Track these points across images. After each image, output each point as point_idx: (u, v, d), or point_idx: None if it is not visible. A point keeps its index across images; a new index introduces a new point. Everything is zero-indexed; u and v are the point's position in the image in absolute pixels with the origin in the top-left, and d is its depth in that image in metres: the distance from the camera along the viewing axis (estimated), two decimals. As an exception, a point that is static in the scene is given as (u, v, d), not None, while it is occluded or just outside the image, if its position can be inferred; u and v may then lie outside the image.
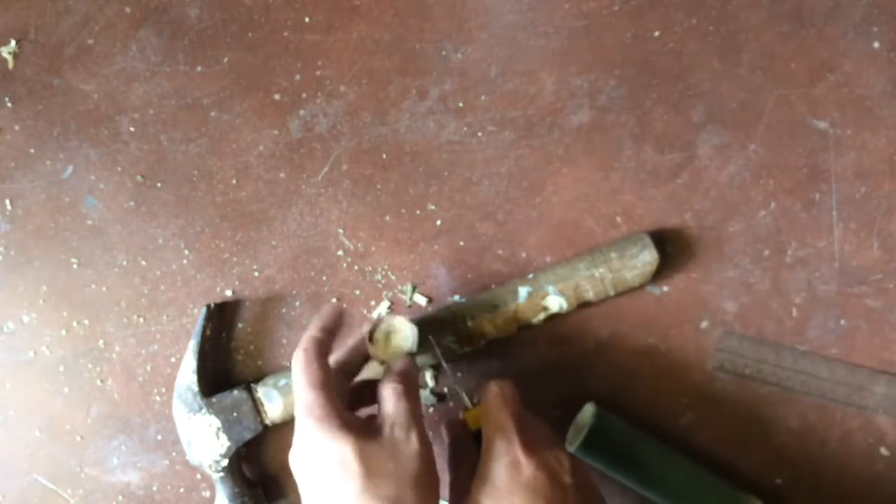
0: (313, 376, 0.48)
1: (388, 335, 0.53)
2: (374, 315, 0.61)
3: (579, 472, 0.48)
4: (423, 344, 0.54)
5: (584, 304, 0.58)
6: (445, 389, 0.61)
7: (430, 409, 0.61)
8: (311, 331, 0.51)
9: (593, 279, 0.57)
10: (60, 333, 0.63)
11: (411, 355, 0.53)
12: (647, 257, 0.57)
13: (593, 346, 0.60)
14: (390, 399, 0.48)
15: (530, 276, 0.58)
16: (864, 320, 0.59)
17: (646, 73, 0.60)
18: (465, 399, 0.53)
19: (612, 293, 0.58)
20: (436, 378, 0.61)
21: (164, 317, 0.62)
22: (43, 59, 0.63)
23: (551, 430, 0.51)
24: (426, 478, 0.46)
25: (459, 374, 0.60)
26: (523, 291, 0.57)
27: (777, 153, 0.60)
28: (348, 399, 0.53)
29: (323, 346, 0.50)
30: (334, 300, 0.61)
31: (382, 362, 0.52)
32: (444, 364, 0.54)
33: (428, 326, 0.58)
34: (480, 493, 0.47)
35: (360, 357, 0.54)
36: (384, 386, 0.49)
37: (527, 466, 0.46)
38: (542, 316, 0.58)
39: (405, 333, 0.53)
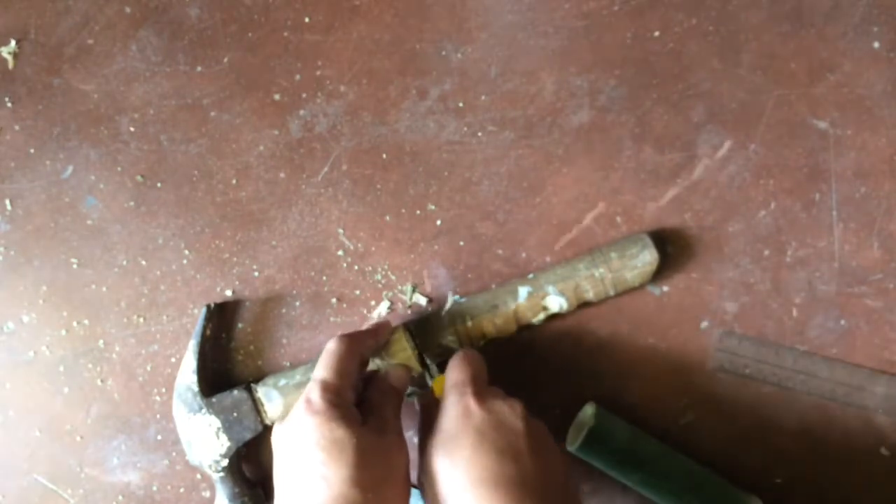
0: (343, 363, 0.50)
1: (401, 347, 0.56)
2: (375, 315, 0.61)
3: (533, 424, 0.49)
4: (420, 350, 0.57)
5: (585, 304, 0.58)
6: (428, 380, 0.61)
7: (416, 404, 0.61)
8: (359, 330, 0.54)
9: (593, 279, 0.57)
10: (60, 333, 0.63)
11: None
12: (648, 257, 0.57)
13: (593, 346, 0.60)
14: (387, 406, 0.51)
15: (530, 276, 0.58)
16: (864, 320, 0.59)
17: (646, 73, 0.60)
18: (434, 368, 0.55)
19: (612, 293, 0.58)
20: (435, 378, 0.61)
21: (164, 317, 0.62)
22: (43, 59, 0.63)
23: (506, 394, 0.53)
24: (407, 484, 0.49)
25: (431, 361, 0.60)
26: (523, 291, 0.57)
27: (777, 153, 0.60)
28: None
29: (363, 347, 0.53)
30: (334, 300, 0.61)
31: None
32: (422, 353, 0.57)
33: (428, 326, 0.58)
34: (432, 442, 0.49)
35: (376, 349, 0.56)
36: (384, 393, 0.52)
37: (477, 412, 0.48)
38: (542, 316, 0.58)
39: (412, 357, 0.56)
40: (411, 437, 0.61)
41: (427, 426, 0.52)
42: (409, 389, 0.60)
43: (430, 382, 0.56)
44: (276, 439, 0.50)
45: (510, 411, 0.49)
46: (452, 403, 0.49)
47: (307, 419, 0.47)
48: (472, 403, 0.49)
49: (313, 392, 0.48)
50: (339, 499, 0.45)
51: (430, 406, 0.53)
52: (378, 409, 0.51)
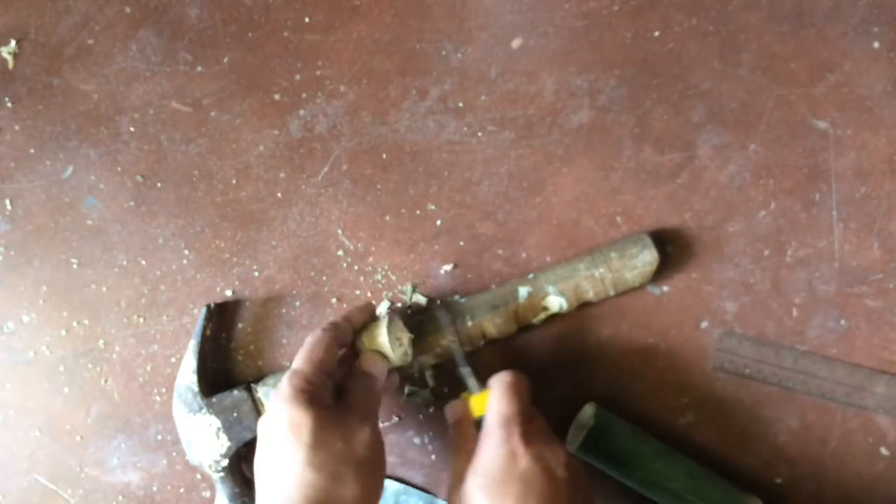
0: (314, 353, 0.50)
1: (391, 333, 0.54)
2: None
3: (573, 468, 0.49)
4: (421, 347, 0.57)
5: (585, 305, 0.58)
6: (446, 390, 0.60)
7: (431, 410, 0.61)
8: (338, 317, 0.54)
9: (593, 279, 0.57)
10: (60, 333, 0.63)
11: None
12: (648, 257, 0.57)
13: (593, 346, 0.60)
14: (358, 391, 0.51)
15: (530, 276, 0.58)
16: (864, 320, 0.59)
17: (646, 73, 0.60)
18: (474, 384, 0.54)
19: (612, 293, 0.57)
20: (435, 378, 0.61)
21: (164, 317, 0.62)
22: (43, 59, 0.63)
23: (549, 427, 0.52)
24: (370, 465, 0.48)
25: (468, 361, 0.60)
26: (523, 291, 0.57)
27: (777, 153, 0.60)
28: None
29: (340, 332, 0.52)
30: (334, 300, 0.61)
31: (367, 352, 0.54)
32: (458, 350, 0.56)
33: (428, 326, 0.58)
34: (475, 481, 0.48)
35: (352, 332, 0.55)
36: (356, 377, 0.52)
37: (523, 458, 0.47)
38: (542, 316, 0.58)
39: (405, 344, 0.55)
40: (411, 437, 0.61)
41: (462, 450, 0.51)
42: (409, 389, 0.61)
43: (472, 391, 0.54)
44: (258, 430, 0.50)
45: (555, 459, 0.48)
46: (498, 443, 0.48)
47: (275, 405, 0.48)
48: (519, 447, 0.48)
49: (284, 381, 0.49)
50: (296, 479, 0.46)
51: (465, 425, 0.53)
52: (348, 393, 0.51)
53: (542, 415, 0.52)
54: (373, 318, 0.56)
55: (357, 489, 0.46)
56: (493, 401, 0.51)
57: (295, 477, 0.46)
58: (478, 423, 0.52)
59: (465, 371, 0.55)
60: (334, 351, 0.51)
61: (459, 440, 0.53)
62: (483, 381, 0.53)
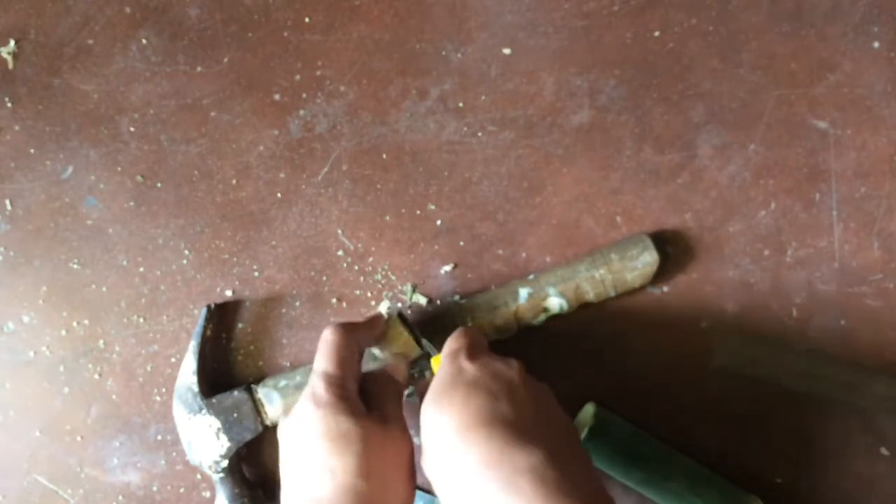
0: (342, 353, 0.50)
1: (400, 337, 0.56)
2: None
3: (532, 378, 0.48)
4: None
5: (585, 306, 0.58)
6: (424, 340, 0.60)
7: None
8: (356, 321, 0.53)
9: (594, 280, 0.57)
10: (60, 333, 0.63)
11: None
12: (648, 258, 0.57)
13: (593, 346, 0.60)
14: (389, 397, 0.51)
15: (531, 277, 0.58)
16: (864, 320, 0.59)
17: (646, 73, 0.60)
18: (432, 347, 0.55)
19: (612, 294, 0.57)
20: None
21: (164, 317, 0.62)
22: (43, 59, 0.63)
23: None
24: (412, 471, 0.49)
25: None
26: (523, 292, 0.57)
27: (777, 153, 0.60)
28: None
29: (361, 336, 0.52)
30: (334, 300, 0.61)
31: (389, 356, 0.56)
32: (419, 337, 0.56)
33: (428, 327, 0.58)
34: (425, 401, 0.47)
35: (373, 339, 0.55)
36: (384, 384, 0.52)
37: (469, 368, 0.47)
38: (542, 317, 0.58)
39: (415, 344, 0.56)
40: (412, 437, 0.61)
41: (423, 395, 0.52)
42: (409, 389, 0.61)
43: (430, 365, 0.55)
44: (283, 432, 0.50)
45: (505, 366, 0.47)
46: (446, 365, 0.49)
47: (313, 411, 0.47)
48: (465, 363, 0.48)
49: (318, 385, 0.48)
50: (345, 489, 0.45)
51: (426, 384, 0.54)
52: (379, 400, 0.50)
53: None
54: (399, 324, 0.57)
55: (403, 495, 0.47)
56: (445, 345, 0.51)
57: (342, 486, 0.45)
58: None
59: (424, 341, 0.56)
60: (357, 351, 0.51)
61: (422, 392, 0.54)
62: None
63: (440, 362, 0.51)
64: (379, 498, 0.46)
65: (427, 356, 0.57)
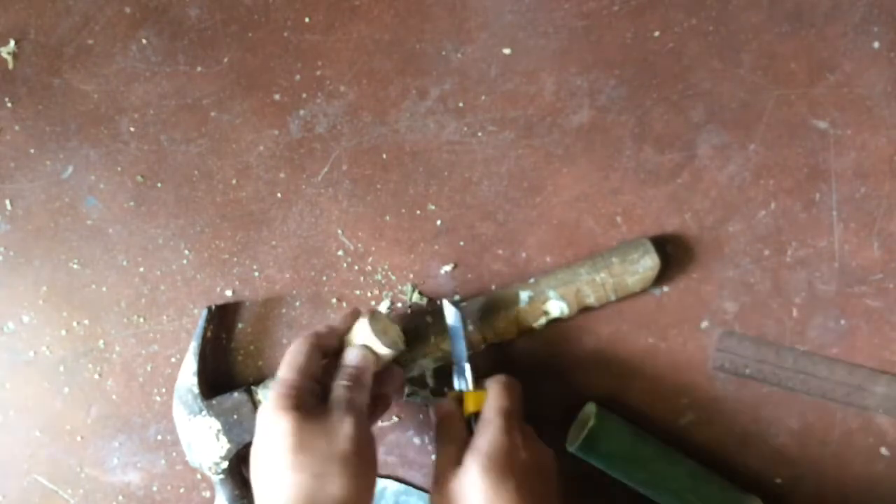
0: (294, 359, 0.51)
1: (383, 329, 0.54)
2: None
3: (557, 478, 0.52)
4: (414, 346, 0.57)
5: (585, 309, 0.58)
6: (445, 389, 0.60)
7: (431, 410, 0.61)
8: (320, 326, 0.54)
9: (594, 284, 0.57)
10: (60, 333, 0.63)
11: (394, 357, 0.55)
12: (649, 262, 0.57)
13: (593, 346, 0.60)
14: (340, 386, 0.50)
15: (531, 280, 0.58)
16: (864, 320, 0.59)
17: (646, 73, 0.60)
18: (470, 380, 0.55)
19: (613, 298, 0.57)
20: (435, 378, 0.61)
21: (164, 317, 0.62)
22: (43, 59, 0.63)
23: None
24: (355, 459, 0.47)
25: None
26: (524, 296, 0.57)
27: (777, 153, 0.60)
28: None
29: (322, 340, 0.53)
30: (334, 300, 0.61)
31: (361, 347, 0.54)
32: (460, 344, 0.56)
33: (428, 330, 0.58)
34: (476, 461, 0.49)
35: (337, 338, 0.55)
36: (338, 373, 0.52)
37: (523, 451, 0.50)
38: (542, 320, 0.58)
39: (392, 335, 0.54)
40: (411, 437, 0.61)
41: (451, 439, 0.52)
42: (409, 390, 0.61)
43: (463, 388, 0.55)
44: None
45: (549, 463, 0.52)
46: (500, 430, 0.50)
47: (260, 414, 0.49)
48: (519, 440, 0.50)
49: (270, 392, 0.50)
50: (282, 482, 0.46)
51: (454, 419, 0.54)
52: (332, 391, 0.50)
53: (539, 417, 0.54)
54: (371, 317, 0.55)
55: (343, 484, 0.46)
56: (492, 395, 0.53)
57: (281, 480, 0.46)
58: (467, 420, 0.54)
59: (466, 367, 0.55)
60: (316, 356, 0.51)
61: (448, 433, 0.53)
62: (477, 383, 0.55)
63: (487, 414, 0.52)
64: (317, 488, 0.46)
65: (458, 379, 0.56)
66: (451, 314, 0.55)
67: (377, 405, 0.55)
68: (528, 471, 0.49)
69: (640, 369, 0.60)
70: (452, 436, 0.53)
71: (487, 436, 0.50)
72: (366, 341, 0.53)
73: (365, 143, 0.62)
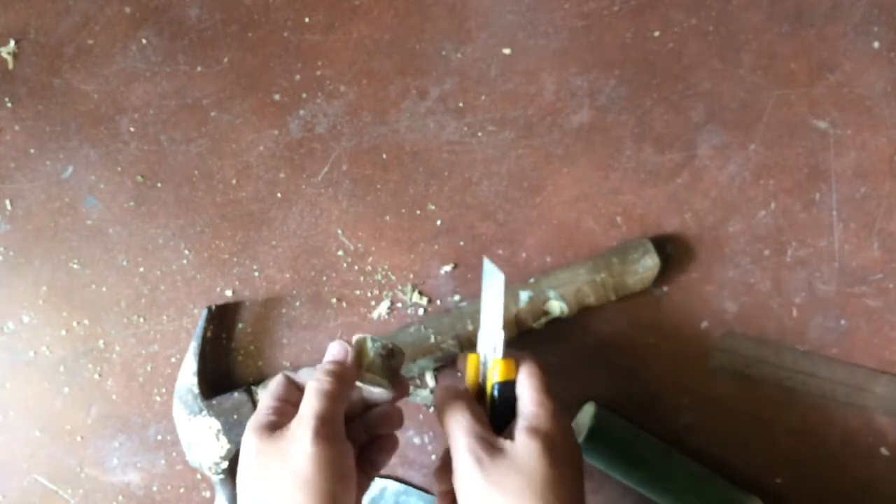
0: (271, 388, 0.48)
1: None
2: (375, 315, 0.61)
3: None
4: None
5: (586, 309, 0.58)
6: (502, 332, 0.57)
7: (431, 410, 0.61)
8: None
9: (595, 284, 0.57)
10: (60, 333, 0.63)
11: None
12: (649, 262, 0.57)
13: (593, 346, 0.60)
14: (304, 398, 0.45)
15: (532, 280, 0.58)
16: (864, 320, 0.59)
17: (646, 73, 0.60)
18: (501, 347, 0.48)
19: (613, 298, 0.57)
20: (436, 379, 0.61)
21: (164, 317, 0.62)
22: (43, 59, 0.63)
23: None
24: (315, 481, 0.42)
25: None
26: (524, 296, 0.57)
27: (777, 153, 0.60)
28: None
29: (297, 376, 0.49)
30: (334, 300, 0.61)
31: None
32: (496, 312, 0.49)
33: (428, 329, 0.58)
34: (537, 441, 0.43)
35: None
36: (308, 384, 0.46)
37: (573, 438, 0.46)
38: (543, 320, 0.58)
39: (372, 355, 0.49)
40: (411, 437, 0.61)
41: (468, 414, 0.45)
42: (411, 390, 0.61)
43: (489, 354, 0.48)
44: None
45: (574, 433, 0.49)
46: (556, 414, 0.45)
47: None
48: (569, 428, 0.46)
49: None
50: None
51: (462, 395, 0.47)
52: (300, 413, 0.45)
53: None
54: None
55: None
56: (536, 374, 0.47)
57: (239, 493, 0.45)
58: (499, 387, 0.47)
59: (501, 333, 0.48)
60: (291, 384, 0.48)
61: (464, 409, 0.46)
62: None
63: (543, 391, 0.46)
64: None
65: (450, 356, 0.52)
66: (493, 274, 0.49)
67: (383, 447, 0.50)
68: (579, 461, 0.45)
69: (640, 369, 0.60)
70: (472, 413, 0.45)
71: (545, 415, 0.45)
72: (370, 368, 0.48)
73: (365, 143, 0.62)
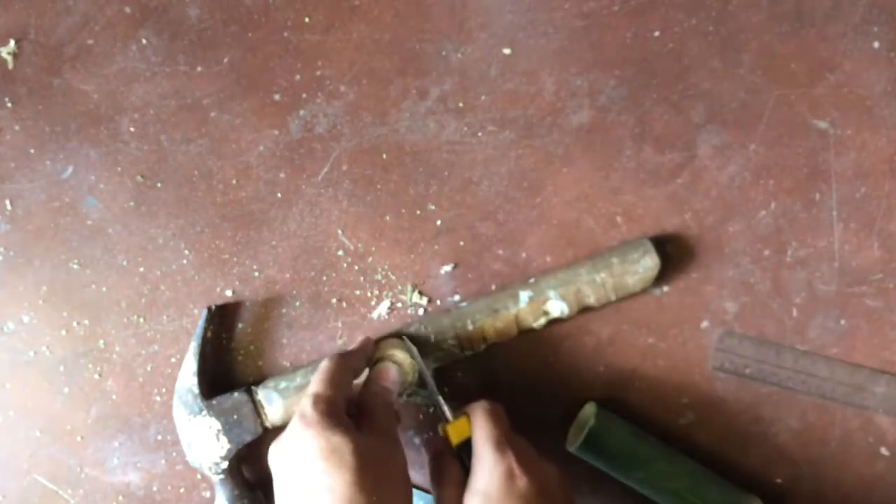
0: (333, 375, 0.51)
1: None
2: (375, 315, 0.61)
3: (565, 487, 0.51)
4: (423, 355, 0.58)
5: (585, 309, 0.58)
6: (446, 389, 0.61)
7: (431, 409, 0.61)
8: (351, 348, 0.56)
9: (595, 284, 0.57)
10: (60, 333, 0.63)
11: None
12: (649, 262, 0.57)
13: (593, 346, 0.60)
14: (378, 408, 0.52)
15: (531, 280, 0.58)
16: (864, 320, 0.59)
17: (646, 73, 0.60)
18: (447, 411, 0.53)
19: (613, 298, 0.57)
20: (436, 379, 0.61)
21: (164, 317, 0.62)
22: (43, 59, 0.63)
23: (531, 446, 0.52)
24: (404, 479, 0.50)
25: (446, 389, 0.60)
26: (524, 296, 0.57)
27: (777, 153, 0.60)
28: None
29: (352, 360, 0.54)
30: (334, 300, 0.61)
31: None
32: (429, 380, 0.56)
33: (428, 330, 0.58)
34: (473, 501, 0.48)
35: (363, 360, 0.56)
36: (375, 395, 0.53)
37: (521, 477, 0.48)
38: (543, 320, 0.58)
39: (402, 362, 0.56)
40: (411, 437, 0.61)
41: (448, 480, 0.51)
42: (410, 389, 0.61)
43: (440, 430, 0.53)
44: (274, 457, 0.49)
45: (551, 478, 0.50)
46: (494, 463, 0.48)
47: (303, 432, 0.47)
48: (515, 467, 0.48)
49: (306, 406, 0.49)
50: (346, 502, 0.45)
51: (446, 456, 0.52)
52: (370, 411, 0.51)
53: (539, 417, 0.53)
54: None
55: None
56: (478, 425, 0.51)
57: (341, 501, 0.45)
58: (457, 450, 0.52)
59: (438, 400, 0.54)
60: (351, 375, 0.52)
61: (442, 471, 0.52)
62: (455, 410, 0.53)
63: (478, 445, 0.50)
64: None
65: (440, 409, 0.54)
66: (406, 354, 0.56)
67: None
68: (532, 495, 0.48)
69: (640, 369, 0.60)
70: (448, 477, 0.51)
71: (482, 472, 0.49)
72: (394, 358, 0.56)
73: (365, 143, 0.62)
